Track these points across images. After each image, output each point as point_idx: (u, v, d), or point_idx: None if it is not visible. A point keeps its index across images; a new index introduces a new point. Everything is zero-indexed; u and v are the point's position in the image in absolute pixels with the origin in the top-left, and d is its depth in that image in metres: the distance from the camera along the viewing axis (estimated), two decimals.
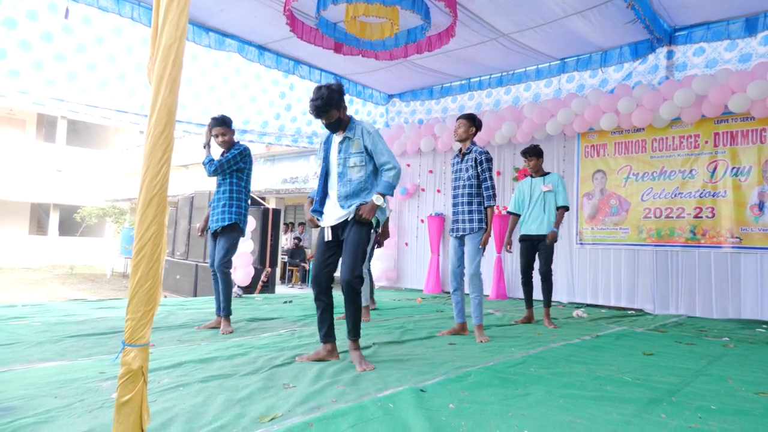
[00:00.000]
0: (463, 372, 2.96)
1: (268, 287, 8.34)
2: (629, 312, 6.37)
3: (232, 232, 4.21)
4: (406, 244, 8.97)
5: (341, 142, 3.19)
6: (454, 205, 4.27)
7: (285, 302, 6.46)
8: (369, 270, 5.55)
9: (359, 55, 5.61)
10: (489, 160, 4.13)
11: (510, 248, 5.27)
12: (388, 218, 5.45)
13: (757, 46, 5.79)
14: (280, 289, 11.28)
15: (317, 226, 3.31)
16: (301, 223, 14.92)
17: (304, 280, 13.17)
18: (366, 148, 3.13)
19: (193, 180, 16.85)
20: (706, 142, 6.17)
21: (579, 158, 7.19)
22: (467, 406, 2.32)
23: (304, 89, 7.79)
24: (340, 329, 3.37)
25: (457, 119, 4.26)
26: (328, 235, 3.17)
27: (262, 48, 6.67)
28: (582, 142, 7.17)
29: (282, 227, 13.44)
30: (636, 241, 6.62)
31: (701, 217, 6.15)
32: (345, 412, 2.17)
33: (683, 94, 5.87)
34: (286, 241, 14.13)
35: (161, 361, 2.95)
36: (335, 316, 3.26)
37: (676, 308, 6.23)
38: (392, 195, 3.14)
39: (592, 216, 7.02)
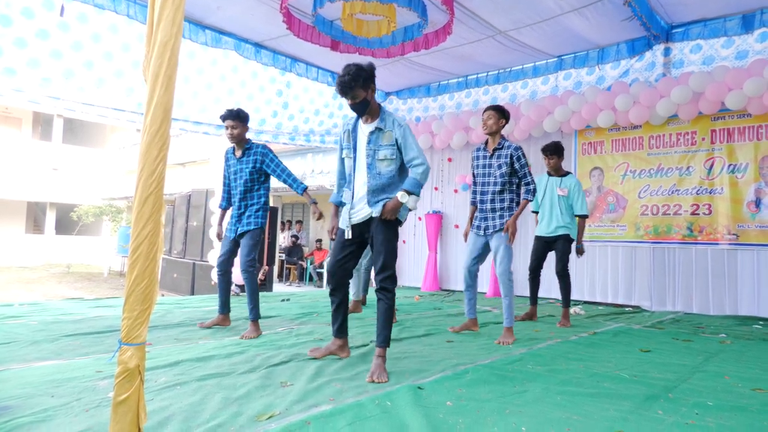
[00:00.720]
0: (461, 369, 2.96)
1: (266, 285, 8.32)
2: (626, 309, 6.39)
3: (257, 232, 4.15)
4: (404, 241, 8.97)
5: (372, 133, 3.01)
6: (482, 202, 4.14)
7: (282, 300, 6.45)
8: (367, 267, 5.57)
9: (356, 52, 5.60)
10: (524, 155, 4.03)
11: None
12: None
13: (753, 43, 5.79)
14: (278, 287, 11.28)
15: (321, 217, 3.24)
16: (298, 221, 14.91)
17: (301, 278, 13.16)
18: (396, 141, 2.97)
19: (189, 178, 16.81)
20: (703, 139, 6.18)
21: (576, 155, 7.20)
22: (465, 404, 2.32)
23: (301, 87, 7.77)
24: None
25: (486, 111, 4.10)
26: (349, 233, 3.04)
27: (258, 46, 6.65)
28: (579, 139, 7.18)
29: (279, 225, 13.42)
30: (633, 238, 6.63)
31: (698, 214, 6.16)
32: (343, 410, 2.17)
33: (680, 91, 5.87)
34: (283, 239, 14.12)
35: (158, 360, 2.94)
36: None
37: (673, 305, 6.25)
38: (419, 194, 2.98)
39: (590, 213, 7.02)
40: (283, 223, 14.64)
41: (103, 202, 21.37)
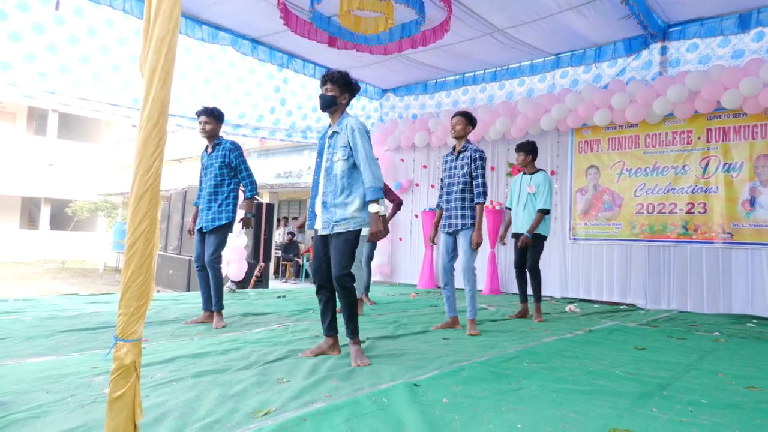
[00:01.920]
0: (457, 367, 2.97)
1: (262, 282, 8.32)
2: (621, 307, 6.41)
3: (223, 228, 4.25)
4: (400, 239, 8.97)
5: (330, 137, 3.20)
6: (447, 201, 4.35)
7: (278, 297, 6.45)
8: (369, 266, 5.59)
9: (353, 49, 5.59)
10: (483, 158, 4.22)
11: (504, 241, 5.35)
12: (386, 215, 5.49)
13: (749, 43, 5.81)
14: (274, 284, 11.27)
15: (302, 228, 3.35)
16: (294, 218, 14.89)
17: (297, 275, 13.16)
18: (348, 143, 3.10)
19: (185, 174, 16.76)
20: (699, 138, 6.20)
21: (572, 154, 7.21)
22: (461, 401, 2.33)
23: (299, 83, 7.75)
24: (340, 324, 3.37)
25: (453, 116, 4.31)
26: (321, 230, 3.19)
27: (255, 41, 6.63)
28: (576, 137, 7.19)
29: (275, 222, 13.40)
30: (628, 237, 6.66)
31: (693, 213, 6.19)
32: (339, 406, 2.17)
33: (676, 89, 5.89)
34: (279, 236, 14.10)
35: (154, 356, 2.94)
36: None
37: (668, 303, 6.28)
38: (382, 197, 3.09)
39: (585, 211, 7.04)
40: (279, 220, 14.61)
41: (98, 198, 21.28)
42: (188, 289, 8.67)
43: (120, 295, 1.64)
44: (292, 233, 13.72)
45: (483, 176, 4.17)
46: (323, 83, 3.17)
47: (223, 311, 4.34)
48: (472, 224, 4.17)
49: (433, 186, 8.61)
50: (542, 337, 4.10)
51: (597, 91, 6.56)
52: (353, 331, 3.11)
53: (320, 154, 3.27)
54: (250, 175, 4.36)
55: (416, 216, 8.74)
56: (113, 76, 5.95)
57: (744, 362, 3.37)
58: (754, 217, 5.78)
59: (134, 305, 1.64)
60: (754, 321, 5.40)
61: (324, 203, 3.12)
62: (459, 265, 4.30)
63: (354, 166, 3.12)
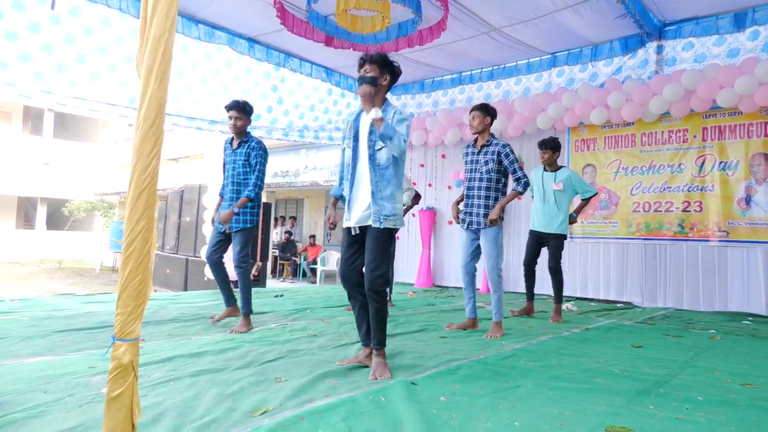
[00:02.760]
0: (454, 365, 2.98)
1: (259, 281, 8.32)
2: (618, 305, 6.43)
3: (249, 230, 4.17)
4: (398, 237, 8.97)
5: (372, 123, 2.90)
6: (468, 197, 4.17)
7: (276, 296, 6.45)
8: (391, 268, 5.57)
9: (350, 48, 5.58)
10: (512, 151, 4.06)
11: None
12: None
13: (745, 41, 5.83)
14: (271, 283, 11.26)
15: (334, 227, 3.07)
16: (291, 217, 14.88)
17: (295, 274, 13.15)
18: None
19: (182, 173, 16.72)
20: (695, 136, 6.22)
21: (569, 152, 7.23)
22: (458, 399, 2.34)
23: (295, 82, 7.73)
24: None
25: (471, 111, 4.15)
26: (355, 230, 2.95)
27: (252, 41, 6.62)
28: (572, 136, 7.20)
29: (273, 221, 13.39)
30: (625, 235, 6.68)
31: (689, 211, 6.21)
32: (337, 405, 2.17)
33: (672, 88, 5.91)
34: (276, 235, 14.09)
35: (152, 356, 2.94)
36: (343, 307, 3.07)
37: (664, 301, 6.30)
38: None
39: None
40: (276, 219, 14.60)
41: (94, 198, 21.21)
42: (185, 289, 8.66)
43: (117, 295, 1.64)
44: (289, 232, 13.70)
45: (520, 168, 4.01)
46: (361, 65, 2.95)
47: (222, 309, 4.33)
48: (503, 206, 4.02)
49: (430, 185, 8.61)
50: (539, 335, 4.12)
51: (593, 90, 6.58)
52: (380, 341, 2.84)
53: (356, 138, 2.98)
54: (258, 177, 4.16)
55: (413, 215, 8.74)
56: (110, 75, 5.93)
57: (740, 359, 3.39)
58: (749, 216, 5.81)
59: (132, 305, 1.64)
60: (750, 318, 5.42)
61: (373, 194, 2.87)
62: (482, 265, 4.14)
63: (396, 158, 2.94)
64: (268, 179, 14.69)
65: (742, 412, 2.27)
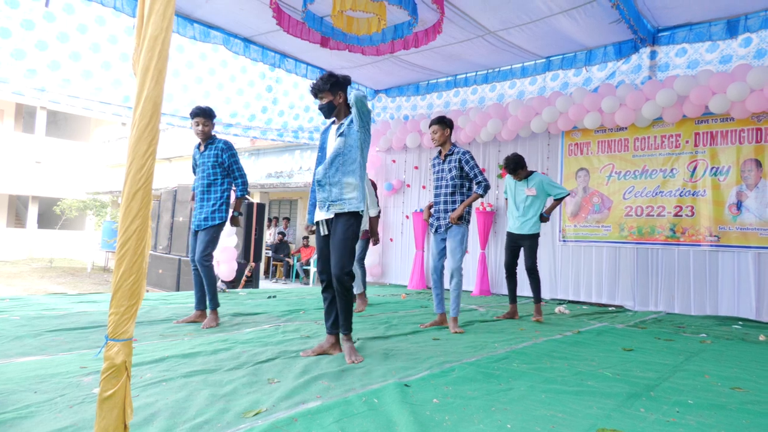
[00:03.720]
0: (447, 367, 2.98)
1: (252, 282, 8.29)
2: (610, 308, 6.47)
3: (215, 227, 4.27)
4: (391, 239, 8.98)
5: (338, 128, 3.25)
6: (436, 203, 4.45)
7: (269, 297, 6.43)
8: (362, 265, 5.61)
9: (346, 49, 5.59)
10: (472, 157, 4.34)
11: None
12: (378, 217, 5.50)
13: (737, 48, 5.89)
14: (264, 284, 11.23)
15: (313, 232, 3.40)
16: (285, 218, 14.85)
17: (288, 275, 13.12)
18: (357, 131, 3.21)
19: (176, 173, 16.66)
20: (687, 141, 6.27)
21: (563, 156, 7.26)
22: (451, 401, 2.34)
23: (291, 83, 7.74)
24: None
25: (430, 126, 4.48)
26: (324, 229, 3.26)
27: (247, 41, 6.61)
28: (566, 140, 7.24)
29: (266, 222, 13.36)
30: (617, 239, 6.72)
31: (681, 216, 6.26)
32: (330, 407, 2.17)
33: (665, 94, 5.95)
34: (270, 235, 14.06)
35: (144, 356, 2.92)
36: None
37: (656, 305, 6.35)
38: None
39: (575, 214, 7.10)
40: (269, 220, 14.57)
41: (87, 197, 21.06)
42: (178, 289, 8.62)
43: (111, 295, 1.63)
44: (282, 233, 13.68)
45: (480, 173, 4.27)
46: (315, 96, 3.27)
47: (207, 311, 4.33)
48: (460, 224, 4.28)
49: (424, 187, 8.63)
50: (532, 338, 4.13)
51: (587, 94, 6.62)
52: (348, 327, 3.21)
53: (322, 149, 3.35)
54: (242, 175, 4.39)
55: (407, 217, 8.76)
56: (104, 73, 5.91)
57: (730, 363, 3.42)
58: (740, 221, 5.86)
59: (125, 304, 1.63)
60: (740, 323, 5.47)
61: (331, 184, 3.23)
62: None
63: (360, 153, 3.24)
64: (262, 180, 14.67)
65: (732, 415, 2.29)
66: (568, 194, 5.18)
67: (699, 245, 6.10)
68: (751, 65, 5.64)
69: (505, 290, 6.95)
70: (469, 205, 4.33)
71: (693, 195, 6.20)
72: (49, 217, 21.41)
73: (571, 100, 6.72)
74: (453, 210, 4.30)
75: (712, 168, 6.09)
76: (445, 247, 4.42)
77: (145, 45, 1.68)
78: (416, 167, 8.78)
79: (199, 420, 1.97)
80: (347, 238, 3.15)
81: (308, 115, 8.32)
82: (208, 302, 4.23)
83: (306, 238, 13.59)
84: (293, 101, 7.96)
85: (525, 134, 7.33)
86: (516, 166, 5.14)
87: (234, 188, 4.42)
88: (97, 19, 5.53)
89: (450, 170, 4.35)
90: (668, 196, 6.37)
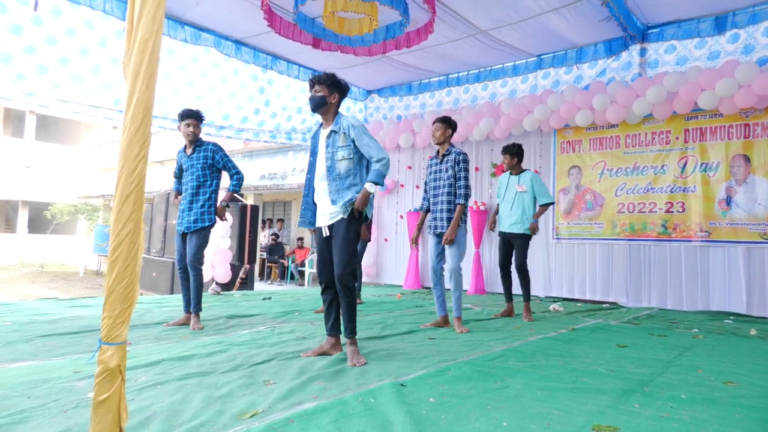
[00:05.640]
0: (443, 366, 2.99)
1: (247, 284, 8.27)
2: (604, 305, 6.50)
3: (206, 230, 4.28)
4: (386, 239, 8.99)
5: (328, 136, 3.23)
6: (434, 204, 4.44)
7: (264, 299, 6.42)
8: (359, 266, 5.59)
9: (338, 50, 5.59)
10: (466, 161, 4.33)
11: (492, 227, 5.50)
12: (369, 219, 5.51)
13: (725, 44, 5.94)
14: (259, 285, 11.20)
15: (314, 232, 3.38)
16: (279, 220, 14.82)
17: (282, 277, 13.09)
18: (353, 142, 3.18)
19: (168, 176, 16.54)
20: (677, 138, 6.32)
21: (555, 154, 7.30)
22: (447, 400, 2.35)
23: (283, 85, 7.72)
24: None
25: (434, 123, 4.43)
26: (326, 231, 3.22)
27: (239, 43, 6.59)
28: (558, 138, 7.27)
29: (260, 224, 13.32)
30: (610, 236, 6.76)
31: (672, 212, 6.31)
32: (326, 407, 2.17)
33: (655, 90, 5.99)
34: (264, 237, 14.02)
35: (138, 360, 2.91)
36: (314, 310, 3.27)
37: (649, 301, 6.39)
38: (383, 184, 3.17)
39: (568, 211, 7.13)
40: (263, 222, 14.53)
41: (78, 201, 20.92)
42: (172, 292, 8.58)
43: (104, 298, 1.63)
44: (276, 235, 13.65)
45: (466, 178, 4.28)
46: (311, 87, 3.23)
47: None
48: (458, 225, 4.27)
49: (417, 187, 8.64)
50: (527, 336, 4.15)
51: (578, 92, 6.65)
52: (353, 330, 3.16)
53: (314, 153, 3.33)
54: (237, 172, 4.41)
55: (401, 217, 8.76)
56: (93, 77, 5.87)
57: (722, 358, 3.45)
58: (730, 216, 5.91)
59: (119, 308, 1.63)
60: (732, 317, 5.52)
61: (333, 201, 3.16)
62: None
63: (358, 163, 3.21)
64: (255, 182, 14.63)
65: (725, 409, 2.31)
66: (552, 203, 5.16)
67: (690, 241, 6.15)
68: (739, 61, 5.69)
69: (500, 289, 6.99)
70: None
71: (683, 191, 6.24)
72: (39, 222, 21.24)
73: (562, 98, 6.76)
74: (450, 209, 4.29)
75: (702, 164, 6.14)
76: (443, 249, 4.41)
77: (135, 48, 1.67)
78: (410, 167, 8.78)
79: (195, 422, 1.97)
80: (350, 238, 3.13)
81: (301, 116, 8.31)
82: (192, 305, 4.22)
83: (301, 239, 13.57)
84: (286, 103, 7.94)
85: (517, 132, 7.35)
86: (519, 151, 5.18)
87: (227, 185, 4.45)
88: (86, 22, 5.49)
89: (446, 170, 4.34)
90: (659, 192, 6.41)
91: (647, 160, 6.52)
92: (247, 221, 8.35)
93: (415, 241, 4.61)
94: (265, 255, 13.41)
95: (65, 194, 21.10)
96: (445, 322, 4.51)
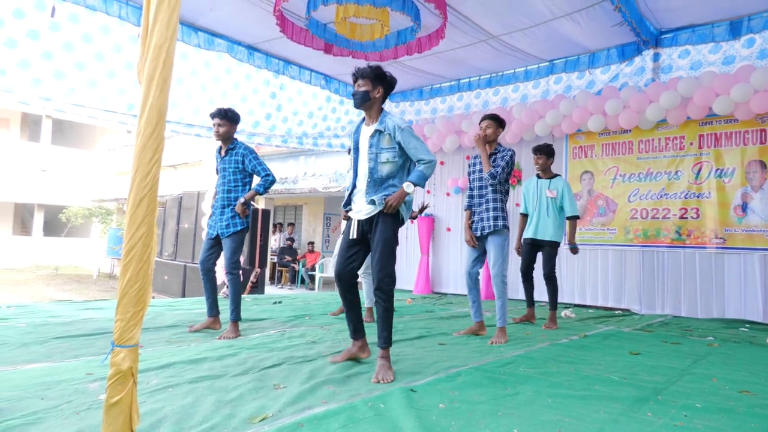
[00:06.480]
0: (453, 372, 2.98)
1: (258, 288, 8.31)
2: (616, 312, 6.44)
3: (239, 233, 4.20)
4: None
5: (372, 136, 3.06)
6: (479, 204, 4.24)
7: (274, 303, 6.44)
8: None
9: (349, 56, 5.61)
10: (512, 157, 4.16)
11: (519, 251, 5.27)
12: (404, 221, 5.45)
13: (740, 49, 5.88)
14: (270, 289, 11.24)
15: (348, 218, 3.20)
16: (290, 224, 14.88)
17: (293, 281, 13.13)
18: (399, 145, 3.02)
19: (181, 180, 16.72)
20: (691, 143, 6.25)
21: (567, 159, 7.25)
22: (457, 406, 2.34)
23: (295, 90, 7.77)
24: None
25: (482, 120, 4.25)
26: (354, 233, 3.07)
27: (251, 48, 6.65)
28: (570, 143, 7.23)
29: (271, 228, 13.39)
30: (623, 242, 6.69)
31: (686, 218, 6.23)
32: (336, 412, 2.17)
33: (669, 96, 5.94)
34: (275, 241, 14.09)
35: (150, 362, 2.93)
36: (329, 312, 3.18)
37: (662, 308, 6.31)
38: (423, 186, 3.06)
39: (581, 215, 7.07)
40: (275, 226, 14.60)
41: (92, 204, 21.18)
42: (183, 295, 8.65)
43: (117, 301, 1.64)
44: (291, 239, 13.75)
45: (503, 169, 4.09)
46: (354, 81, 3.06)
47: (220, 317, 4.32)
48: (504, 226, 4.09)
49: (429, 192, 8.63)
50: (538, 342, 4.12)
51: (591, 97, 6.61)
52: (386, 339, 2.94)
53: (356, 150, 3.16)
54: (268, 174, 4.23)
55: (412, 221, 8.75)
56: (108, 82, 5.95)
57: (737, 367, 3.39)
58: (746, 223, 5.83)
59: (131, 311, 1.64)
60: (747, 325, 5.43)
61: (372, 202, 3.01)
62: (487, 271, 4.16)
63: (401, 167, 3.07)
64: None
65: (740, 419, 2.27)
66: (578, 217, 5.03)
67: (705, 248, 6.07)
68: (755, 66, 5.63)
69: (517, 295, 6.95)
70: (504, 210, 4.16)
71: (698, 197, 6.17)
72: (54, 225, 21.52)
73: (574, 104, 6.72)
74: (495, 208, 4.09)
75: (717, 170, 6.07)
76: (483, 254, 4.23)
77: (149, 54, 1.69)
78: None
79: (206, 426, 1.98)
80: (387, 237, 2.97)
81: (312, 121, 8.35)
82: (230, 313, 4.05)
83: (311, 243, 13.61)
84: (297, 107, 7.99)
85: (529, 138, 7.33)
86: (552, 150, 5.07)
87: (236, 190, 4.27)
88: (102, 28, 5.58)
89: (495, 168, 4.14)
90: (673, 198, 6.34)
91: (661, 166, 6.45)
92: (258, 225, 8.40)
93: (473, 240, 4.25)
94: (275, 259, 13.48)
95: (80, 197, 21.38)
96: (480, 328, 4.35)
